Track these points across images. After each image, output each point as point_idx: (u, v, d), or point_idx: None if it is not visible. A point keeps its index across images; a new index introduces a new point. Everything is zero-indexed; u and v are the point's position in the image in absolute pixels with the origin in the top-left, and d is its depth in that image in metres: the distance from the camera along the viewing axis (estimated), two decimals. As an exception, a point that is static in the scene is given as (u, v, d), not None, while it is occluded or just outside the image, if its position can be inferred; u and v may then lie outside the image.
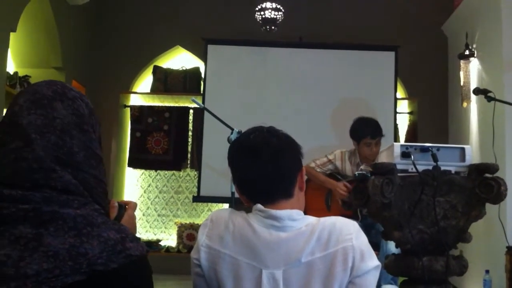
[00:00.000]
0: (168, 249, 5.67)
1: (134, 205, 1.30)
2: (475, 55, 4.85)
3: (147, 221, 5.97)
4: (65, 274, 0.91)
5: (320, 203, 3.97)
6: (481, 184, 2.40)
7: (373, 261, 1.35)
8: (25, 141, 0.99)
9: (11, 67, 4.81)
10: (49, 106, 1.03)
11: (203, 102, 5.30)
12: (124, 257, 0.97)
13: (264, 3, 5.08)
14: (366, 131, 3.78)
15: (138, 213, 5.94)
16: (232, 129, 3.46)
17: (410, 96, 5.87)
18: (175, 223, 5.85)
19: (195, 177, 5.82)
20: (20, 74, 4.66)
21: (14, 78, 4.56)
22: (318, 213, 2.28)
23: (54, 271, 0.90)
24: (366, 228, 3.53)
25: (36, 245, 0.92)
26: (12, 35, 4.30)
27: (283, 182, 1.44)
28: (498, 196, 2.36)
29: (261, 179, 1.43)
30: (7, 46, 4.21)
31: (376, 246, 3.55)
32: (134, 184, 6.04)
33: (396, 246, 2.58)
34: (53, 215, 0.95)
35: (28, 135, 0.99)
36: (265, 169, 1.42)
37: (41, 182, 0.98)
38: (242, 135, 1.53)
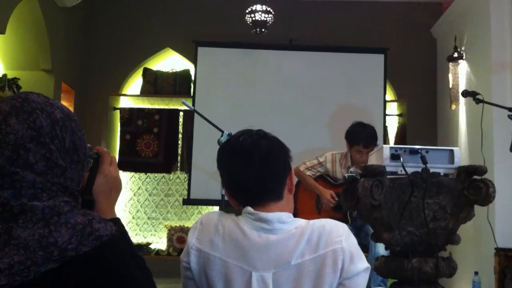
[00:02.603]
0: (158, 252, 5.65)
1: (107, 158, 1.24)
2: (463, 58, 4.89)
3: (137, 224, 5.95)
4: (37, 264, 0.93)
5: (311, 206, 3.98)
6: (469, 186, 2.41)
7: (362, 263, 1.36)
8: None
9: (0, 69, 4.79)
10: (4, 122, 1.04)
11: (193, 105, 5.29)
12: (95, 239, 0.99)
13: (254, 6, 5.08)
14: (360, 138, 3.72)
15: (128, 216, 5.92)
16: (223, 132, 3.46)
17: (399, 98, 5.90)
18: (165, 226, 5.83)
19: (185, 179, 5.81)
20: (9, 76, 4.64)
21: (2, 81, 4.53)
22: (309, 215, 2.28)
23: (26, 263, 0.93)
24: (356, 231, 3.55)
25: (7, 239, 0.94)
26: (1, 37, 4.28)
27: (273, 184, 1.44)
28: (486, 198, 2.38)
29: (251, 181, 1.43)
30: (-4, 48, 4.19)
31: (365, 248, 3.56)
32: (123, 187, 6.00)
33: (386, 248, 2.59)
34: (22, 208, 0.97)
35: None
36: (255, 171, 1.42)
37: (5, 186, 1.00)
38: (231, 137, 1.53)
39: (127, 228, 5.67)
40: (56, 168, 1.06)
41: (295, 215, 1.44)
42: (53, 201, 1.01)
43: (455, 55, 4.91)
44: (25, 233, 0.95)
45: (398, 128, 5.95)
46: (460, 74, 4.93)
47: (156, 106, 6.02)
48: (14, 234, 0.95)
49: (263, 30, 5.12)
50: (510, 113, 3.24)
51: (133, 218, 5.95)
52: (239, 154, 1.45)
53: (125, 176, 6.01)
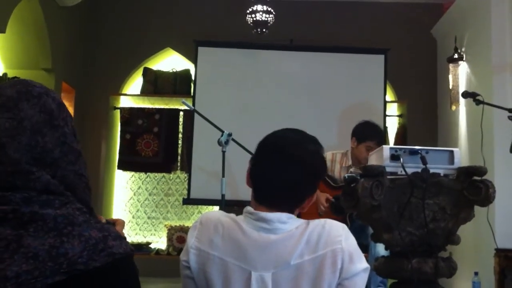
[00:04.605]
0: (158, 251, 5.65)
1: (122, 223, 1.28)
2: (464, 59, 4.89)
3: (137, 223, 5.95)
4: (44, 275, 0.90)
5: (312, 207, 3.97)
6: (469, 187, 2.41)
7: (362, 264, 1.36)
8: None
9: (0, 69, 4.78)
10: (15, 107, 1.01)
11: (193, 104, 5.29)
12: (106, 255, 0.95)
13: (255, 6, 5.08)
14: (374, 136, 3.76)
15: (128, 216, 5.92)
16: (223, 132, 3.46)
17: (399, 99, 5.90)
18: (165, 225, 5.83)
19: (185, 179, 5.81)
20: (10, 75, 4.63)
21: (3, 80, 4.52)
22: (309, 217, 2.26)
23: (33, 273, 0.90)
24: (356, 232, 3.54)
25: (16, 247, 0.91)
26: (1, 36, 4.27)
27: (290, 199, 1.43)
28: (486, 199, 2.38)
29: (274, 182, 1.42)
30: (-4, 48, 4.19)
31: (366, 248, 3.56)
32: (123, 187, 6.02)
33: (386, 248, 2.59)
34: (33, 216, 0.94)
35: None
36: (283, 176, 1.41)
37: (18, 184, 0.97)
38: (288, 132, 1.50)
39: (127, 227, 5.62)
40: (70, 153, 1.04)
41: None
42: (65, 209, 0.97)
43: (456, 56, 4.92)
44: (36, 242, 0.91)
45: (398, 129, 5.95)
46: (460, 75, 4.93)
47: (156, 106, 6.02)
48: (25, 242, 0.91)
49: (264, 30, 5.12)
50: (510, 114, 3.24)
51: (133, 217, 5.95)
52: (280, 156, 1.43)
53: (125, 176, 6.01)
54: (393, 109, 6.05)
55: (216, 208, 5.14)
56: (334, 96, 5.48)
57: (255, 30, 5.15)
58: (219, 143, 3.42)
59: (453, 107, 5.01)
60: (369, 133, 3.79)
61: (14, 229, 0.92)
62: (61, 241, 0.93)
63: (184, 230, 5.65)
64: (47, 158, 1.00)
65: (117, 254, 0.97)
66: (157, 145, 5.86)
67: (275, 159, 1.43)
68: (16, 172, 0.97)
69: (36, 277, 0.89)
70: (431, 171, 2.40)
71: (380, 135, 3.82)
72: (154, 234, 5.94)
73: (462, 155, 4.36)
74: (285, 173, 1.41)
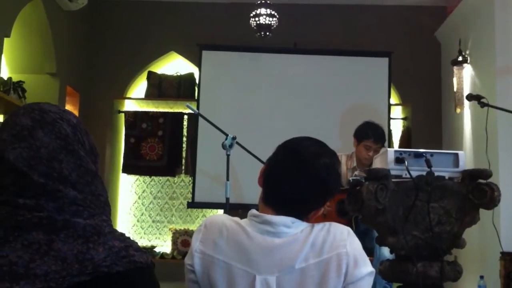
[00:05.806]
0: (162, 255, 5.65)
1: None
2: (468, 61, 4.88)
3: (141, 227, 5.95)
4: (72, 275, 0.97)
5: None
6: (474, 190, 2.40)
7: (366, 268, 1.35)
8: (19, 173, 1.03)
9: (5, 73, 4.79)
10: (31, 137, 1.05)
11: (198, 108, 5.30)
12: (128, 262, 1.01)
13: (259, 9, 5.09)
14: (370, 133, 3.77)
15: (132, 220, 5.93)
16: (227, 135, 3.46)
17: (403, 102, 5.89)
18: (169, 229, 5.83)
19: (190, 183, 5.81)
20: (14, 79, 4.65)
21: (8, 84, 4.54)
22: (314, 220, 2.26)
23: (61, 273, 0.96)
24: (361, 235, 3.53)
25: (47, 250, 0.98)
26: (6, 40, 4.29)
27: (297, 209, 1.43)
28: (491, 202, 2.36)
29: (284, 190, 1.42)
30: (1, 52, 4.20)
31: (370, 251, 3.55)
32: (128, 190, 6.03)
33: (391, 252, 2.58)
34: (65, 223, 1.01)
35: (19, 169, 1.03)
36: (294, 186, 1.42)
37: (49, 200, 1.03)
38: (308, 141, 1.50)
39: (131, 230, 5.60)
40: (86, 175, 1.08)
41: None
42: (93, 220, 1.04)
43: (460, 58, 4.91)
44: (65, 247, 0.98)
45: (402, 132, 5.94)
46: (465, 78, 4.92)
47: (161, 110, 6.03)
48: (55, 246, 0.98)
49: (267, 33, 5.13)
50: (515, 116, 3.22)
51: (137, 221, 5.95)
52: (298, 164, 1.43)
53: (129, 180, 6.02)
54: (397, 112, 6.04)
55: (221, 211, 5.15)
56: (338, 99, 5.48)
57: (258, 34, 5.16)
58: (224, 146, 3.42)
59: (458, 110, 5.00)
60: (365, 133, 3.80)
61: (47, 234, 0.99)
62: (87, 248, 1.00)
63: (189, 233, 5.65)
64: (66, 182, 1.05)
65: (138, 262, 1.03)
66: (162, 149, 5.86)
67: (290, 168, 1.43)
68: (45, 193, 1.03)
69: (64, 277, 0.96)
70: (436, 174, 2.39)
71: (376, 133, 3.79)
72: (159, 238, 5.94)
73: (467, 158, 4.36)
74: (297, 184, 1.42)
